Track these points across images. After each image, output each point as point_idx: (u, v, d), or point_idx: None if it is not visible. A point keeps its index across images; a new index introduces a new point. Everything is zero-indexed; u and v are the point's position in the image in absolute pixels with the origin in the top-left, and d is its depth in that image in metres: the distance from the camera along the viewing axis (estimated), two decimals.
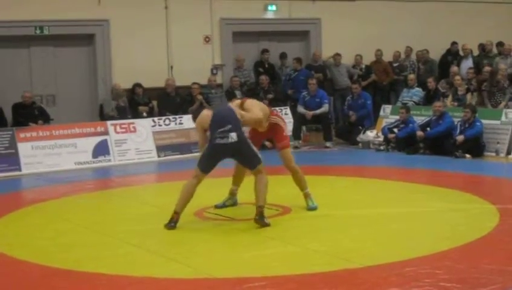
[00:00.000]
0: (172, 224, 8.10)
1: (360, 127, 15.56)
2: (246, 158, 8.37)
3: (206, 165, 8.38)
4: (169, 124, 15.00)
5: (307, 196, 9.06)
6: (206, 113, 8.39)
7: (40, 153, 13.50)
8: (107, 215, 9.16)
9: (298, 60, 17.45)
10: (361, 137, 15.31)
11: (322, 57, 18.09)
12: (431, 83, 16.33)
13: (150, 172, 13.72)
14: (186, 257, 6.93)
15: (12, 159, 13.23)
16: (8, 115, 14.67)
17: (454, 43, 18.61)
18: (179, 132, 15.02)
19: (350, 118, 15.90)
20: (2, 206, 10.18)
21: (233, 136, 8.07)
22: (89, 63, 16.17)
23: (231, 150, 8.19)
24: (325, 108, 15.65)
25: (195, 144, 14.94)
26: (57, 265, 6.79)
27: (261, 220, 8.03)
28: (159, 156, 14.60)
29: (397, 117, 14.94)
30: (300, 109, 15.75)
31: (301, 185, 9.10)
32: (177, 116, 15.21)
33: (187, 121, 15.17)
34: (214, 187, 10.95)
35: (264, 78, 16.84)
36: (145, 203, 10.08)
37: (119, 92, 15.47)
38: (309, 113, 15.51)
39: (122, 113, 15.25)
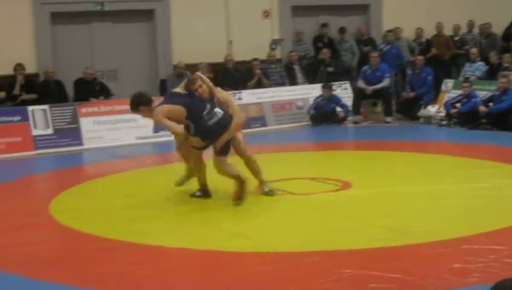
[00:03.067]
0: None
1: (421, 102, 15.33)
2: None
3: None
4: None
5: (262, 183, 8.69)
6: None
7: (102, 128, 13.66)
8: (168, 190, 9.20)
9: (391, 31, 17.21)
10: (422, 112, 15.09)
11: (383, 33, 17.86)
12: (493, 57, 16.01)
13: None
14: (249, 231, 6.95)
15: (74, 134, 13.42)
16: (70, 90, 14.85)
17: None
18: (238, 107, 14.98)
19: (408, 95, 15.64)
20: (64, 181, 10.35)
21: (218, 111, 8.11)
22: (149, 39, 16.24)
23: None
24: (385, 82, 15.44)
25: (254, 119, 15.01)
26: (120, 238, 6.88)
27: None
28: None
29: (459, 92, 14.70)
30: (361, 83, 15.58)
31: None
32: (236, 92, 15.21)
33: (246, 96, 15.21)
34: (275, 162, 10.99)
35: (326, 51, 16.71)
36: None
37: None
38: (369, 88, 15.34)
39: None
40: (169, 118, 7.95)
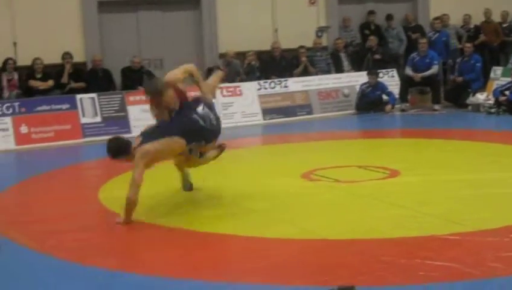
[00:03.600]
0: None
1: (470, 90, 15.15)
2: None
3: None
4: (274, 87, 15.02)
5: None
6: None
7: (149, 116, 13.68)
8: (216, 177, 9.26)
9: (438, 18, 17.03)
10: (471, 100, 14.92)
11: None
12: None
13: (256, 135, 13.79)
14: (295, 218, 6.95)
15: (122, 122, 13.58)
16: (117, 79, 14.99)
17: None
18: (284, 95, 15.04)
19: (456, 80, 15.46)
20: (113, 168, 10.39)
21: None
22: (195, 27, 16.30)
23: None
24: (434, 69, 15.29)
25: (300, 106, 15.01)
26: (168, 225, 6.96)
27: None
28: (264, 119, 14.66)
29: (508, 79, 14.50)
30: (408, 71, 15.45)
31: None
32: (282, 80, 15.22)
33: (292, 84, 15.21)
34: (321, 150, 11.01)
35: (372, 38, 16.62)
36: (252, 165, 10.15)
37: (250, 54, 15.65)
38: (417, 76, 15.19)
39: (252, 73, 15.41)
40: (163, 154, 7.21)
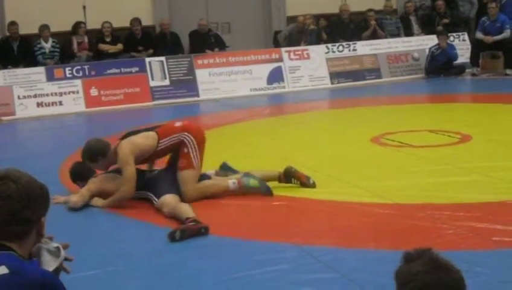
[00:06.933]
0: None
1: None
2: None
3: None
4: (342, 51, 14.86)
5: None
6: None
7: (217, 80, 13.78)
8: (283, 140, 9.25)
9: None
10: None
11: None
12: None
13: (323, 99, 13.71)
14: (366, 182, 6.88)
15: (190, 85, 13.61)
16: (185, 42, 15.01)
17: None
18: (353, 58, 14.87)
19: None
20: None
21: None
22: None
23: None
24: (506, 33, 14.92)
25: (369, 70, 14.83)
26: None
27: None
28: (332, 83, 14.54)
29: None
30: (479, 34, 15.11)
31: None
32: (350, 43, 15.05)
33: (361, 47, 15.02)
34: (391, 115, 10.89)
35: (440, 3, 16.29)
36: (320, 129, 10.10)
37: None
38: (489, 39, 14.84)
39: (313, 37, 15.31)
40: None
